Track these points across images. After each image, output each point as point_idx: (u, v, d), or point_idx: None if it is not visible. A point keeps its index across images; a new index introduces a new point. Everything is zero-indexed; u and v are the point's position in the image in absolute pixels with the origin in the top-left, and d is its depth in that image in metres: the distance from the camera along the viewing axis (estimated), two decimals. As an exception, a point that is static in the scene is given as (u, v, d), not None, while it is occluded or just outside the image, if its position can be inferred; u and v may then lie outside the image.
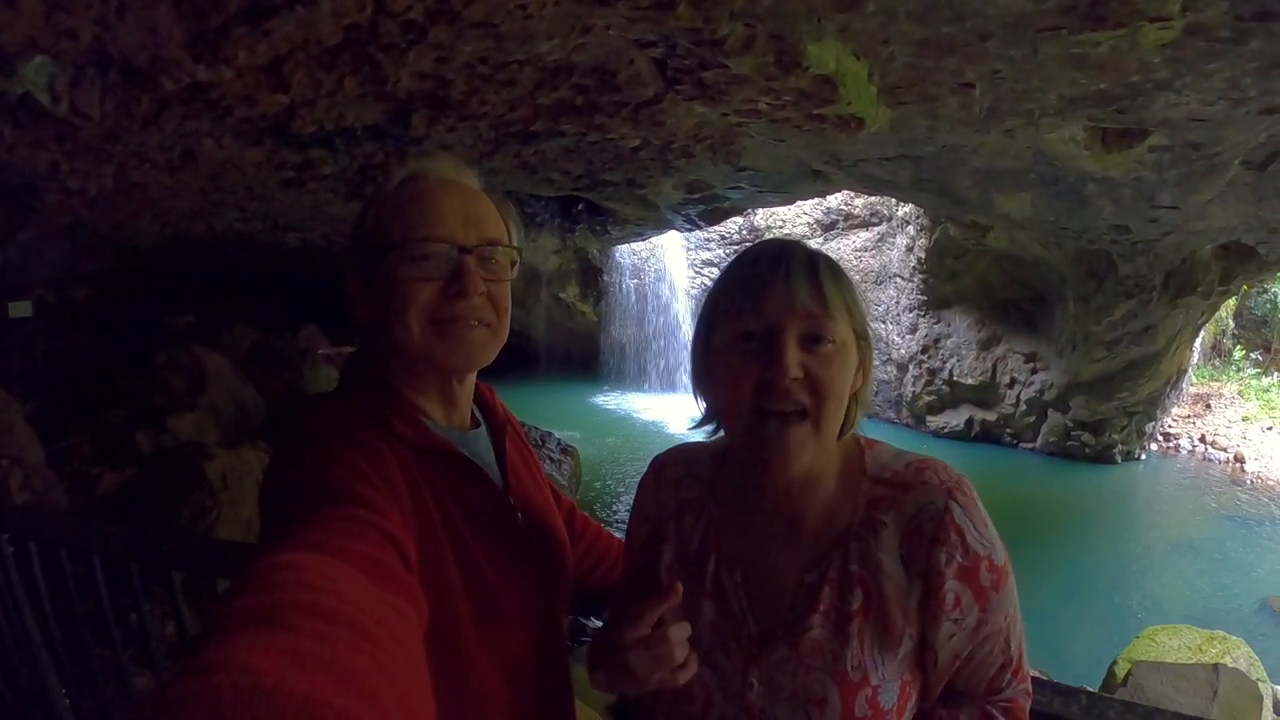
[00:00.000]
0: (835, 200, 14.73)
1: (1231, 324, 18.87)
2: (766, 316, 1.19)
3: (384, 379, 1.34)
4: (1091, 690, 1.72)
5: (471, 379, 1.44)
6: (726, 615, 1.32)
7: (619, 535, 1.85)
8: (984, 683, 1.29)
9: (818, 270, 1.21)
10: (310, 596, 0.75)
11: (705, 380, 1.32)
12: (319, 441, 1.19)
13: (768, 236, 15.55)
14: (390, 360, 1.34)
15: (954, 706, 1.31)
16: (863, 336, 1.25)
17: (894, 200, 13.31)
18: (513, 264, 1.40)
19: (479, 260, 1.31)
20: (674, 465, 1.49)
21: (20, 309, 8.58)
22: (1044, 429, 13.12)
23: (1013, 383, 13.21)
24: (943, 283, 13.53)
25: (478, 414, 1.52)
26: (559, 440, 10.90)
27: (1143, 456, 13.44)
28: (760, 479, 1.29)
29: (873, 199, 14.17)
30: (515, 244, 1.41)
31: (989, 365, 13.37)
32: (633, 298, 16.89)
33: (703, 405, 1.36)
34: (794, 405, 1.18)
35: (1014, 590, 1.26)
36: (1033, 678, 1.43)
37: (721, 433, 1.36)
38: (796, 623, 1.26)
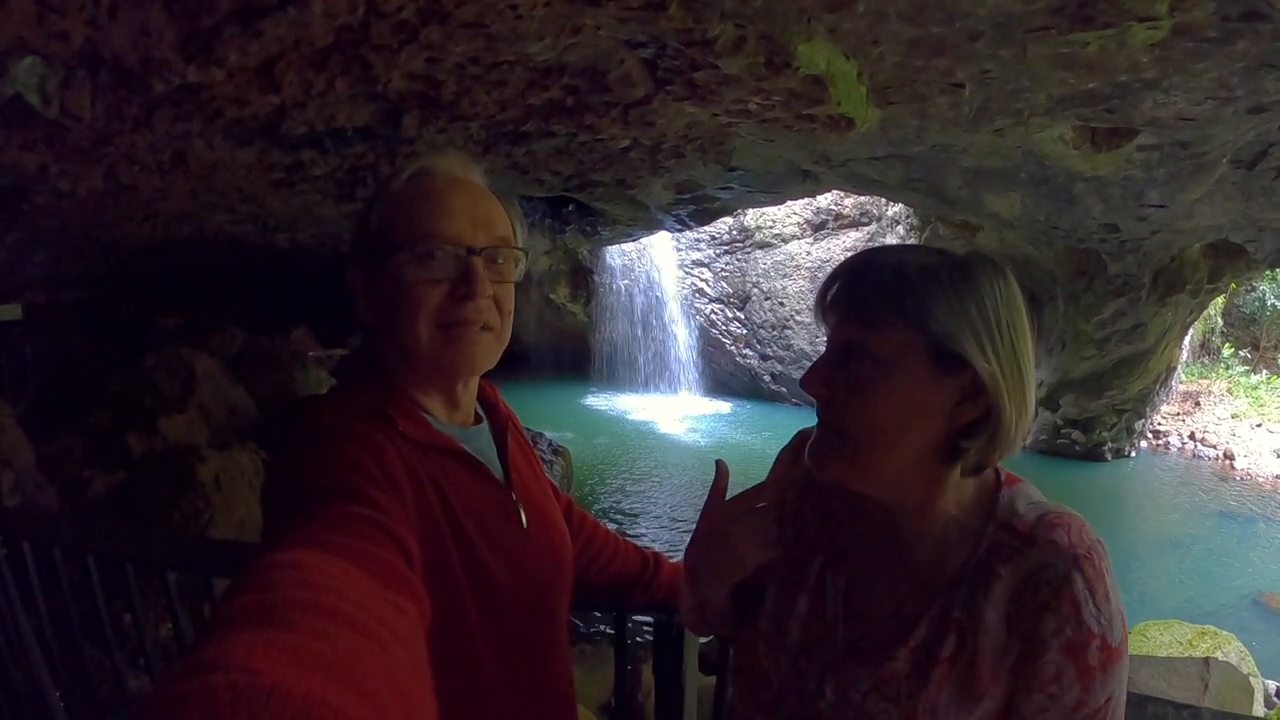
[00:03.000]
0: (825, 200, 14.72)
1: (1220, 322, 18.91)
2: (827, 323, 1.19)
3: (386, 376, 1.34)
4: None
5: (476, 379, 1.44)
6: (818, 616, 1.28)
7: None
8: None
9: (867, 274, 1.14)
10: (311, 595, 0.74)
11: None
12: (321, 438, 1.19)
13: (757, 238, 15.69)
14: (393, 358, 1.33)
15: None
16: (954, 356, 1.10)
17: (884, 200, 13.32)
18: (517, 264, 1.39)
19: (486, 262, 1.31)
20: None
21: (9, 312, 8.55)
22: (1034, 427, 13.10)
23: (1003, 381, 13.21)
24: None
25: (480, 410, 1.51)
26: (550, 441, 10.88)
27: (1132, 454, 13.47)
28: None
29: (863, 199, 14.17)
30: (520, 244, 1.40)
31: (979, 364, 13.37)
32: (623, 298, 16.84)
33: None
34: (823, 418, 1.17)
35: (1124, 671, 1.14)
36: None
37: None
38: (884, 650, 1.19)
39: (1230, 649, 6.05)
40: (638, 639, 4.37)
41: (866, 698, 1.18)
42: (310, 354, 10.70)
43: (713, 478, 1.36)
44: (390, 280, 1.29)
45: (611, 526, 2.01)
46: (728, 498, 1.33)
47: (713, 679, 2.31)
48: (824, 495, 1.35)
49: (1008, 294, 1.15)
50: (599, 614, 5.37)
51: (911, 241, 13.39)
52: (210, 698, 0.55)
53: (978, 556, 1.16)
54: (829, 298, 1.18)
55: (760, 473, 1.36)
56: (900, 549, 1.22)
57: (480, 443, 1.45)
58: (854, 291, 1.14)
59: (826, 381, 1.15)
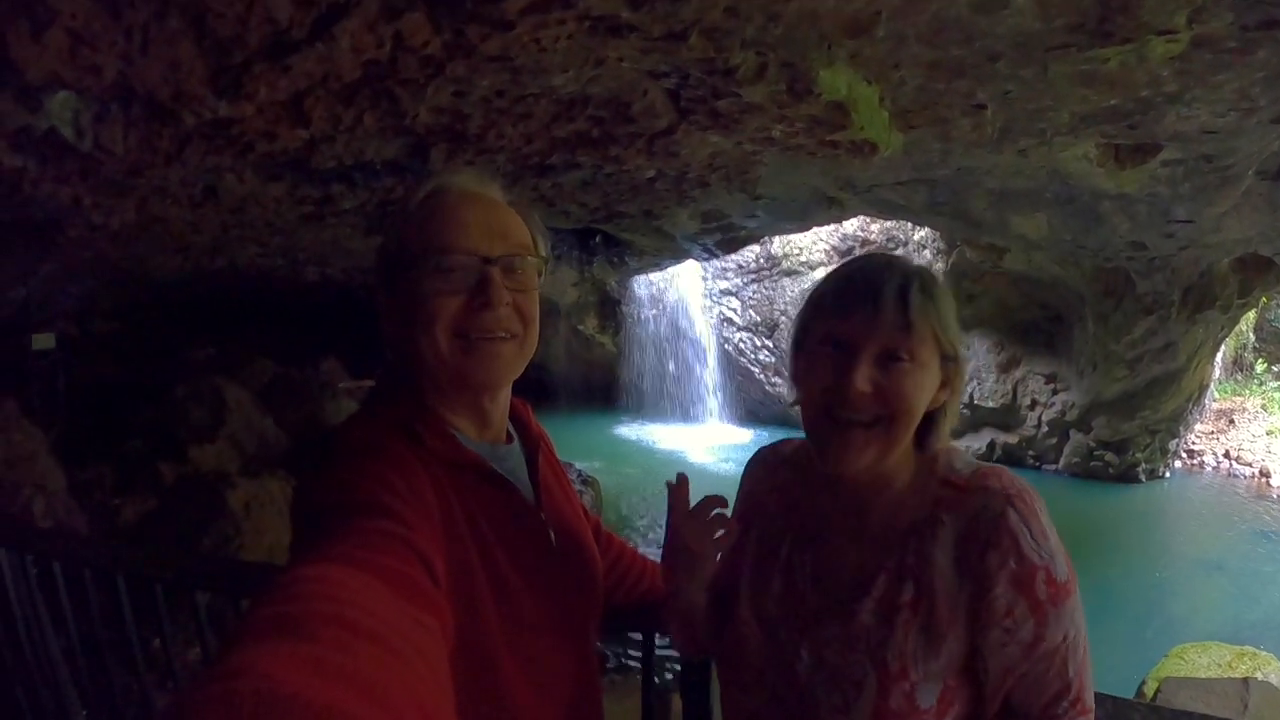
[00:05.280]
0: (851, 226, 14.68)
1: (1252, 337, 18.65)
2: (850, 329, 1.27)
3: (414, 394, 1.34)
4: (1116, 696, 1.70)
5: (506, 394, 1.45)
6: (791, 590, 1.40)
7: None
8: (1038, 706, 1.28)
9: (908, 293, 1.26)
10: (334, 608, 0.76)
11: (794, 372, 1.40)
12: (349, 455, 1.20)
13: (784, 265, 15.67)
14: (419, 376, 1.34)
15: None
16: (950, 358, 1.30)
17: (910, 225, 13.28)
18: (539, 274, 1.40)
19: (504, 271, 1.32)
20: (775, 453, 1.61)
21: (43, 341, 8.68)
22: (1067, 450, 12.98)
23: (1034, 404, 13.10)
24: (961, 306, 13.22)
25: (511, 429, 1.52)
26: (580, 471, 10.85)
27: (1167, 474, 13.26)
28: (825, 470, 1.36)
29: (889, 224, 14.11)
30: (542, 253, 1.41)
31: (1009, 387, 13.26)
32: (651, 328, 16.83)
33: (793, 392, 1.42)
34: (858, 415, 1.26)
35: (1077, 611, 1.26)
36: None
37: None
38: (850, 605, 1.32)
39: (1270, 670, 5.91)
40: (666, 674, 4.35)
41: (840, 654, 1.30)
42: (340, 385, 10.76)
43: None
44: (408, 294, 1.30)
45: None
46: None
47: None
48: (786, 489, 1.52)
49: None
50: (626, 643, 5.34)
51: (938, 266, 13.35)
52: (233, 703, 0.57)
53: (925, 511, 1.31)
54: (859, 303, 1.28)
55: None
56: (859, 517, 1.37)
57: (511, 462, 1.45)
58: (900, 307, 1.25)
59: (870, 379, 1.25)
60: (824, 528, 1.41)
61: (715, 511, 1.45)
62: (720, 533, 1.45)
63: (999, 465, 1.34)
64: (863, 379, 1.24)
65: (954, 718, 1.28)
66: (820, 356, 1.30)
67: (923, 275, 1.30)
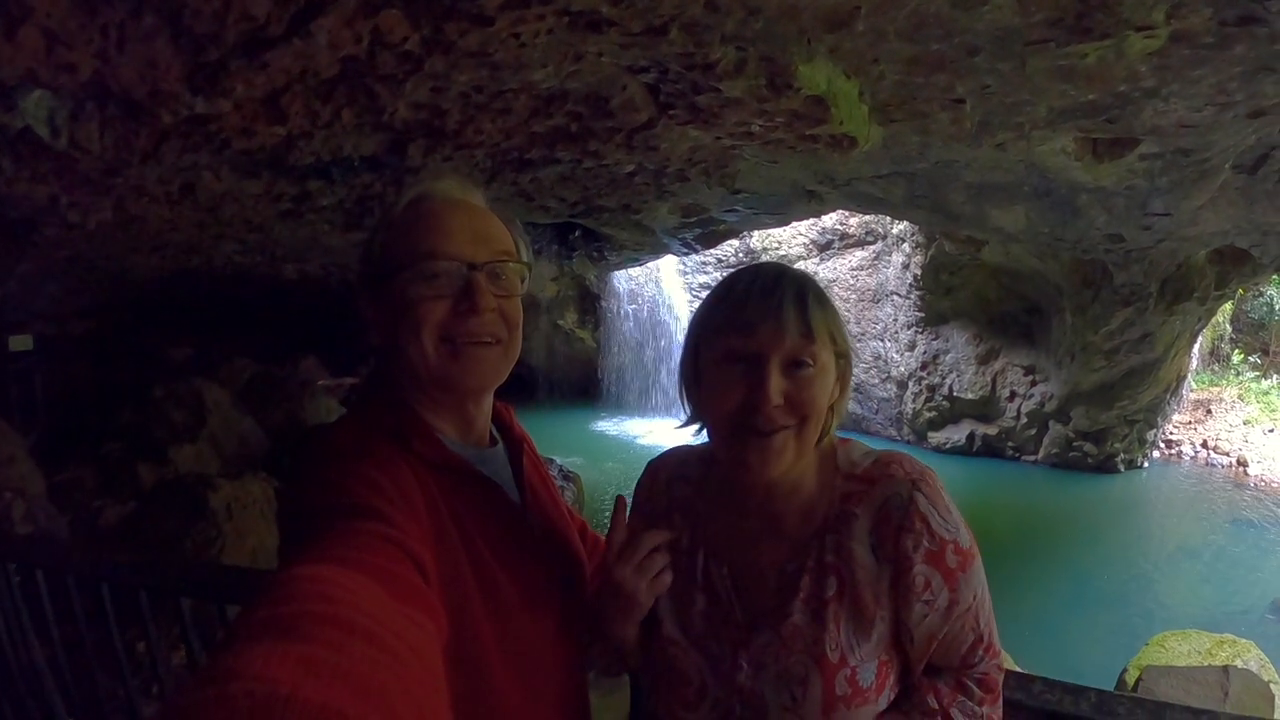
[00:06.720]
0: (830, 220, 14.71)
1: (1229, 328, 18.85)
2: (755, 343, 1.29)
3: (400, 399, 1.34)
4: (1100, 689, 1.72)
5: (489, 399, 1.45)
6: (716, 605, 1.43)
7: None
8: (958, 657, 1.38)
9: (806, 302, 1.30)
10: (328, 608, 0.75)
11: (693, 389, 1.41)
12: (336, 458, 1.20)
13: (763, 259, 15.66)
14: (406, 382, 1.34)
15: (933, 676, 1.40)
16: (843, 356, 1.36)
17: (889, 218, 13.31)
18: (522, 279, 1.40)
19: (488, 276, 1.32)
20: (666, 468, 1.61)
21: (20, 342, 8.61)
22: (1045, 441, 13.10)
23: (1013, 396, 13.19)
24: (939, 299, 13.52)
25: (495, 432, 1.52)
26: (561, 466, 10.83)
27: (1145, 464, 13.40)
28: (742, 482, 1.40)
29: (867, 217, 14.15)
30: (524, 259, 1.41)
31: (988, 379, 13.35)
32: (631, 323, 16.82)
33: (689, 409, 1.44)
34: (776, 426, 1.29)
35: (981, 571, 1.36)
36: (1041, 679, 1.47)
37: (707, 435, 1.45)
38: (779, 610, 1.37)
39: (1250, 657, 5.97)
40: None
41: (779, 657, 1.35)
42: (320, 383, 10.72)
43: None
44: (395, 301, 1.30)
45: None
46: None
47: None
48: (686, 504, 1.53)
49: None
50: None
51: (917, 259, 13.40)
52: (229, 706, 0.56)
53: (834, 508, 1.38)
54: (760, 316, 1.30)
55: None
56: (771, 523, 1.42)
57: (495, 464, 1.46)
58: (801, 315, 1.30)
59: (782, 390, 1.29)
60: (737, 540, 1.45)
61: (651, 550, 1.45)
62: (656, 574, 1.44)
63: (895, 450, 1.42)
64: (776, 391, 1.27)
65: (890, 685, 1.36)
66: (725, 372, 1.32)
67: (812, 282, 1.35)
